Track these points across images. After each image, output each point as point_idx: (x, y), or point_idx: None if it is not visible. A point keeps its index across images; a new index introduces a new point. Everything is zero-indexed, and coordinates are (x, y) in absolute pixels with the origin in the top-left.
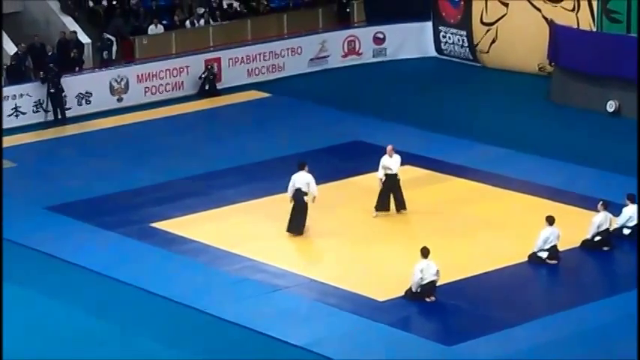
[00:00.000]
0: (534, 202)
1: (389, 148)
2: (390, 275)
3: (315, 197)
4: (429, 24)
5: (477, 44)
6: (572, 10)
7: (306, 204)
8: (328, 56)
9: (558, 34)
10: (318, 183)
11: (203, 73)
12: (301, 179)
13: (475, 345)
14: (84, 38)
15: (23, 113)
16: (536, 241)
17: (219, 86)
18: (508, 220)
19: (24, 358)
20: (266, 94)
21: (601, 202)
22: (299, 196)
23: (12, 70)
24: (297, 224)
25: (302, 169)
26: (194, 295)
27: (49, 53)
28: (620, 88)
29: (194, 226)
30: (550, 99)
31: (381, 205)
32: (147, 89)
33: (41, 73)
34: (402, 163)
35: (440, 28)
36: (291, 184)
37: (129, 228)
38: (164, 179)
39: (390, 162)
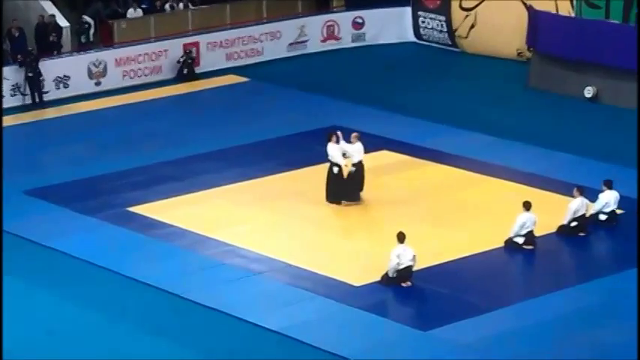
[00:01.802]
0: (511, 187)
1: (353, 135)
2: (366, 260)
3: (340, 167)
4: (408, 9)
5: (456, 29)
6: None
7: (333, 174)
8: (307, 41)
9: (537, 20)
10: (295, 168)
11: (181, 57)
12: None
13: (451, 330)
14: (62, 22)
15: (1, 96)
16: (513, 227)
17: (197, 70)
18: (484, 205)
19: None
20: (244, 79)
21: (576, 188)
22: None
23: None
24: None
25: (329, 140)
26: (171, 280)
27: (16, 35)
28: (599, 75)
29: (172, 211)
30: (528, 84)
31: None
32: (125, 73)
33: (19, 56)
34: (379, 148)
35: (419, 13)
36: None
37: (106, 212)
38: (142, 163)
39: (353, 149)
